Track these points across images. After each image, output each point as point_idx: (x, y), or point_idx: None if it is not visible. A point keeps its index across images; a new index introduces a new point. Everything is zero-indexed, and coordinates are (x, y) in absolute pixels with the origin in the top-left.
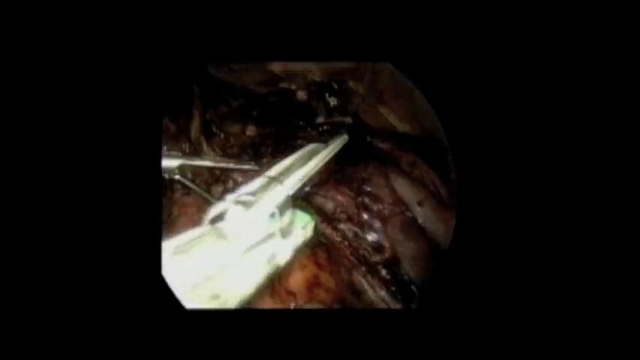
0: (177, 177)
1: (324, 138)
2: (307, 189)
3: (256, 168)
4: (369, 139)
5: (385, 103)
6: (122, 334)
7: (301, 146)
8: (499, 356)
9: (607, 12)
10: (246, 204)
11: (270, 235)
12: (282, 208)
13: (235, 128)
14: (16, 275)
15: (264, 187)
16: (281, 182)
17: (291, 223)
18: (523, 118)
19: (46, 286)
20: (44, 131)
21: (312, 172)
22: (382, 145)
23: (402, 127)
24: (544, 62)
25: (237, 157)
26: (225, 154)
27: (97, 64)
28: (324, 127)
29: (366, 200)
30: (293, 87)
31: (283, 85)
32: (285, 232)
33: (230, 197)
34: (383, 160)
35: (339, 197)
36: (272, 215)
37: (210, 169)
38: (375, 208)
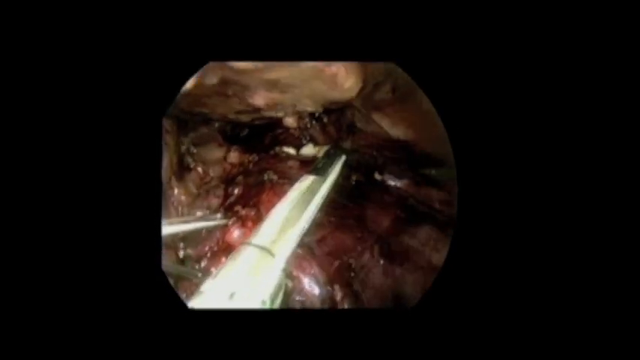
0: None
1: (321, 166)
2: None
3: (224, 221)
4: (378, 177)
5: (379, 109)
6: (127, 334)
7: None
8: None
9: (610, 12)
10: (231, 295)
11: None
12: (274, 294)
13: (216, 153)
14: (19, 277)
15: (254, 267)
16: (273, 254)
17: (285, 300)
18: (528, 119)
19: (49, 287)
20: (44, 132)
21: (309, 223)
22: (397, 184)
23: (394, 132)
24: (548, 61)
25: (214, 197)
26: (206, 195)
27: (94, 65)
28: (318, 163)
29: (339, 296)
30: (280, 114)
31: (268, 113)
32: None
33: (210, 284)
34: (400, 204)
35: (303, 278)
36: (262, 303)
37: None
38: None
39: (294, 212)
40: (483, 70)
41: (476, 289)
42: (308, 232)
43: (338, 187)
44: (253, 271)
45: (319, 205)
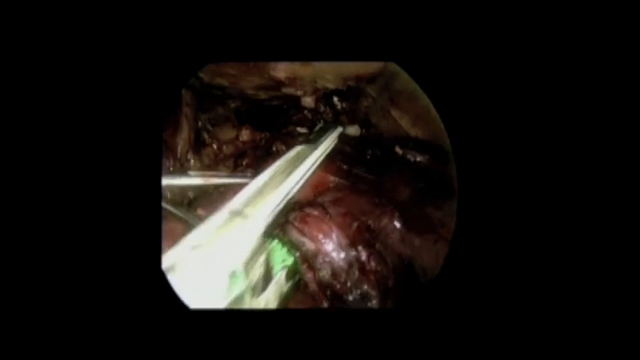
0: None
1: (312, 137)
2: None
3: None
4: (399, 150)
5: (398, 105)
6: (127, 335)
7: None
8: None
9: (609, 12)
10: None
11: (236, 301)
12: (249, 260)
13: (230, 134)
14: (20, 278)
15: (220, 228)
16: (245, 216)
17: (268, 270)
18: (529, 120)
19: (49, 287)
20: (43, 131)
21: (295, 190)
22: (420, 159)
23: (413, 131)
24: (549, 61)
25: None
26: (215, 165)
27: (93, 66)
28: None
29: (364, 256)
30: (299, 92)
31: (287, 90)
32: (257, 289)
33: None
34: (423, 179)
35: (324, 240)
36: (232, 276)
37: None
38: (377, 268)
39: (276, 177)
40: (485, 71)
41: (473, 288)
42: (324, 194)
43: (347, 157)
44: (218, 231)
45: (312, 168)
